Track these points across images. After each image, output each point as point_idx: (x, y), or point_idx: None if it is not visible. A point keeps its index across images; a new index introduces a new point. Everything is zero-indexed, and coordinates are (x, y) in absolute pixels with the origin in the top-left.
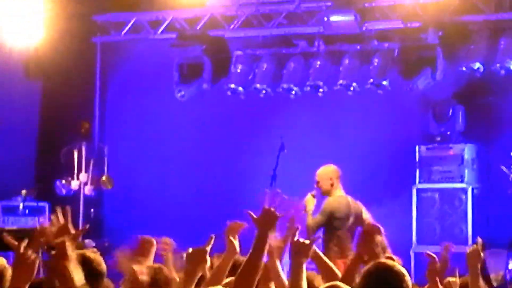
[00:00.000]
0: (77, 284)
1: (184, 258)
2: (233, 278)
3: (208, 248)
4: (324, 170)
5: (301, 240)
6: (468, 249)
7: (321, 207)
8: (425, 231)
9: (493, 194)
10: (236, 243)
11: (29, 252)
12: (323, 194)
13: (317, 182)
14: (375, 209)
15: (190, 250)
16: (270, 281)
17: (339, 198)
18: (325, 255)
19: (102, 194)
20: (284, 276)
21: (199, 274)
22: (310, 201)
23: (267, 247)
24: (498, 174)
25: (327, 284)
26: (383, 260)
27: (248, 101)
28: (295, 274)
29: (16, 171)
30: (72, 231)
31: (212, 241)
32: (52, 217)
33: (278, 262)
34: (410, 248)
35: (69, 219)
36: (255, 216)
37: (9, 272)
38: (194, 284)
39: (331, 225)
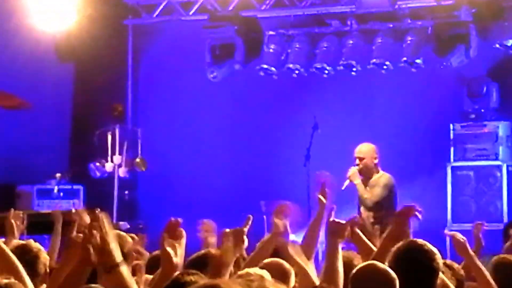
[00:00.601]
0: (117, 260)
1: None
2: (273, 259)
3: (246, 229)
4: (368, 147)
5: (337, 220)
6: None
7: (376, 182)
8: (460, 209)
9: None
10: (282, 224)
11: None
12: (363, 171)
13: (361, 159)
14: (409, 188)
15: (227, 230)
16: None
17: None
18: (382, 232)
19: (136, 176)
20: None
21: (237, 255)
22: (356, 174)
23: (339, 255)
24: None
25: (364, 263)
26: (413, 239)
27: (281, 81)
28: (331, 255)
29: (50, 155)
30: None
31: (250, 222)
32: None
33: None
34: (445, 226)
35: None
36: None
37: (43, 255)
38: (232, 264)
39: (391, 200)
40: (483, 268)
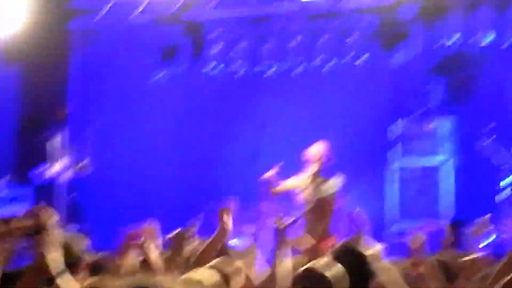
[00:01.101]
0: (55, 270)
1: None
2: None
3: (192, 230)
4: (319, 148)
5: (283, 221)
6: None
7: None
8: (407, 207)
9: (472, 168)
10: (229, 221)
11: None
12: (315, 170)
13: (311, 159)
14: (355, 186)
15: (174, 232)
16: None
17: None
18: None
19: (82, 179)
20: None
21: (183, 257)
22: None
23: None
24: (477, 147)
25: (305, 267)
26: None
27: (225, 81)
28: (277, 256)
29: None
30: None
31: (197, 225)
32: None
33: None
34: (392, 224)
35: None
36: None
37: None
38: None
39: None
40: (429, 270)
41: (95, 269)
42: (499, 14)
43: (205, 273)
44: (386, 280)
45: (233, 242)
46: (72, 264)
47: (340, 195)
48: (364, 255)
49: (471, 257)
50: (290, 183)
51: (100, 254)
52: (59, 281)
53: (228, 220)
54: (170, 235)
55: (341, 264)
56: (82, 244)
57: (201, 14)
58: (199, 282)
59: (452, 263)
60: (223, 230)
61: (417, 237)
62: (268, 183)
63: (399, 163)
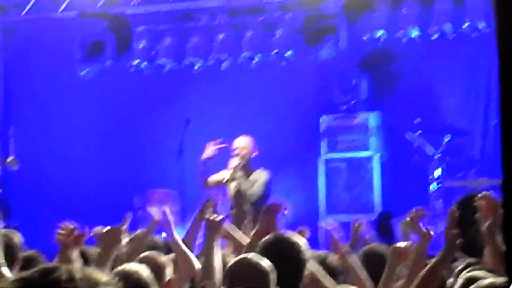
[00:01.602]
0: None
1: (98, 238)
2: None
3: (124, 228)
4: (247, 140)
5: (212, 217)
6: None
7: (257, 178)
8: (333, 201)
9: (398, 161)
10: (158, 212)
11: None
12: (242, 164)
13: (238, 149)
14: (282, 181)
15: (105, 229)
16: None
17: None
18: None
19: (9, 175)
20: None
21: (114, 254)
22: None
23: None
24: (403, 142)
25: (238, 257)
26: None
27: (151, 77)
28: (208, 251)
29: None
30: None
31: (128, 221)
32: None
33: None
34: (318, 218)
35: None
36: None
37: None
38: (109, 263)
39: (266, 197)
40: (354, 263)
41: (29, 264)
42: (424, 9)
43: (137, 266)
44: (315, 270)
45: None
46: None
47: (267, 188)
48: (296, 243)
49: (397, 245)
50: (216, 177)
51: (32, 251)
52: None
53: (157, 210)
54: (101, 231)
55: (273, 253)
56: (19, 239)
57: (126, 9)
58: (135, 273)
59: (379, 254)
60: (155, 221)
61: (357, 224)
62: (203, 171)
63: (325, 158)
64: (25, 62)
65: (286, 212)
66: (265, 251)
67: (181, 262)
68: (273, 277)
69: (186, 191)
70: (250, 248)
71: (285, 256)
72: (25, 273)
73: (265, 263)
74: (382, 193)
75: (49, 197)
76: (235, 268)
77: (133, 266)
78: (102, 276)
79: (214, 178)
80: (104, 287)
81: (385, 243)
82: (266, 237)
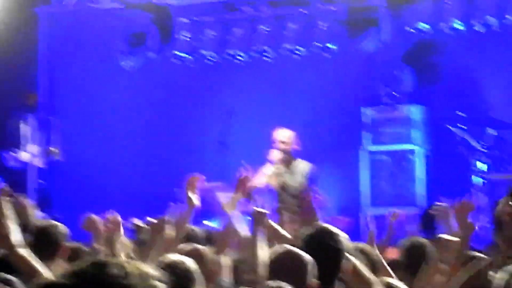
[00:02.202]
0: (14, 243)
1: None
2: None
3: (168, 218)
4: (289, 133)
5: (259, 209)
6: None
7: (297, 169)
8: (376, 194)
9: (441, 154)
10: (195, 197)
11: None
12: (284, 156)
13: (282, 143)
14: (325, 173)
15: (151, 221)
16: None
17: None
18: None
19: (50, 166)
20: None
21: (160, 245)
22: (279, 161)
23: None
24: (446, 134)
25: (279, 248)
26: (320, 223)
27: (194, 68)
28: (253, 242)
29: None
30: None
31: (173, 211)
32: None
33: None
34: (360, 211)
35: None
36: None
37: None
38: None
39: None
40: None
41: (74, 256)
42: (467, 1)
43: (182, 257)
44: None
45: (209, 222)
46: (51, 249)
47: (311, 181)
48: (336, 234)
49: (444, 236)
50: (259, 179)
51: (77, 242)
52: (21, 251)
53: (195, 196)
54: (147, 223)
55: (314, 244)
56: (64, 231)
57: (169, 0)
58: (181, 263)
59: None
60: (191, 206)
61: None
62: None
63: (368, 150)
64: (69, 52)
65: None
66: (307, 243)
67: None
68: (313, 268)
69: (229, 182)
70: (296, 240)
71: (325, 247)
72: (77, 267)
73: (306, 255)
74: (425, 186)
75: (90, 188)
76: (277, 259)
77: (178, 257)
78: (153, 270)
79: (258, 180)
80: (155, 281)
81: (428, 236)
82: (308, 229)
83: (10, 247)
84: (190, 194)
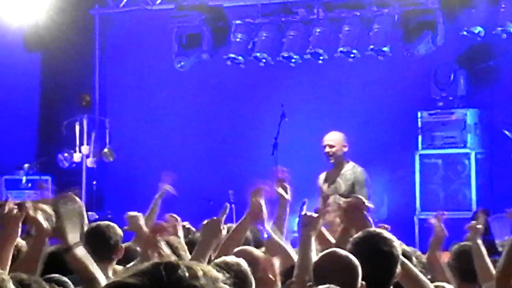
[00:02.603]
0: (69, 243)
1: (201, 230)
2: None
3: (223, 218)
4: (338, 135)
5: (309, 213)
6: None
7: (354, 177)
8: (429, 198)
9: (496, 159)
10: (259, 204)
11: None
12: (333, 160)
13: (331, 146)
14: (378, 176)
15: (205, 222)
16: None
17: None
18: None
19: (104, 167)
20: (287, 247)
21: (214, 246)
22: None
23: (312, 246)
24: (500, 138)
25: (326, 251)
26: (371, 228)
27: (248, 70)
28: (304, 247)
29: (18, 145)
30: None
31: (227, 211)
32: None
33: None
34: (414, 214)
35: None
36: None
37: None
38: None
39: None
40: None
41: (127, 256)
42: None
43: (237, 258)
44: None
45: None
46: (107, 250)
47: (366, 185)
48: (389, 239)
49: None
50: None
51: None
52: (76, 251)
53: (258, 203)
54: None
55: (365, 249)
56: (119, 232)
57: (223, 2)
58: (236, 264)
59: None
60: (252, 212)
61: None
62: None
63: (421, 153)
64: (122, 53)
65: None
66: (357, 247)
67: (281, 257)
68: (360, 272)
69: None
70: (338, 242)
71: (378, 251)
72: (144, 268)
73: (354, 258)
74: (479, 190)
75: (143, 189)
76: (323, 262)
77: (233, 258)
78: (218, 272)
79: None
80: (222, 284)
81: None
82: (358, 234)
83: (67, 247)
84: (254, 200)
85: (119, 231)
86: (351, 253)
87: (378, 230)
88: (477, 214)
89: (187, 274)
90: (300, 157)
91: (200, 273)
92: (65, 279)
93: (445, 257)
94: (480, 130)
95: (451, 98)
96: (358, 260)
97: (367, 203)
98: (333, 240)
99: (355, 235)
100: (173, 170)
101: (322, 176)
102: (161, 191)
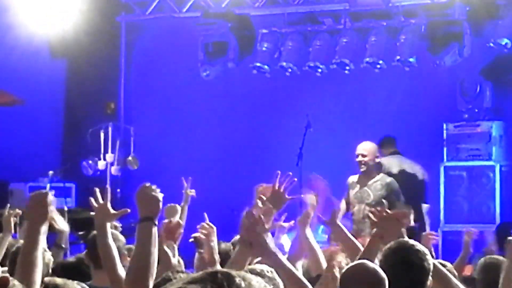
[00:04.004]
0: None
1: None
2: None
3: None
4: (372, 146)
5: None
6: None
7: (389, 188)
8: (453, 210)
9: None
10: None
11: None
12: (364, 169)
13: (363, 156)
14: None
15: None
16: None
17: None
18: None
19: (128, 174)
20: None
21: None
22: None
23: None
24: None
25: (354, 263)
26: (404, 239)
27: (274, 79)
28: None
29: (42, 152)
30: (111, 210)
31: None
32: (92, 199)
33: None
34: (438, 226)
35: (108, 199)
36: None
37: (47, 255)
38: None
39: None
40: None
41: None
42: None
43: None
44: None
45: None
46: None
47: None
48: (421, 251)
49: None
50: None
51: None
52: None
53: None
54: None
55: (397, 260)
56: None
57: (249, 10)
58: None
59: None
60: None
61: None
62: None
63: (446, 165)
64: (147, 61)
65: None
66: (388, 258)
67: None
68: (387, 285)
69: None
70: (367, 253)
71: (410, 264)
72: (202, 275)
73: (380, 270)
74: (503, 203)
75: (166, 197)
76: (351, 273)
77: (264, 267)
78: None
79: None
80: None
81: (504, 253)
82: (390, 244)
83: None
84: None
85: (121, 237)
86: (382, 263)
87: (411, 242)
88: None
89: (243, 283)
90: (325, 167)
91: (253, 281)
92: (84, 285)
93: (467, 270)
94: (505, 142)
95: (476, 110)
96: (388, 271)
97: (411, 218)
98: (361, 247)
99: (387, 246)
100: (196, 179)
101: (354, 178)
102: (186, 198)
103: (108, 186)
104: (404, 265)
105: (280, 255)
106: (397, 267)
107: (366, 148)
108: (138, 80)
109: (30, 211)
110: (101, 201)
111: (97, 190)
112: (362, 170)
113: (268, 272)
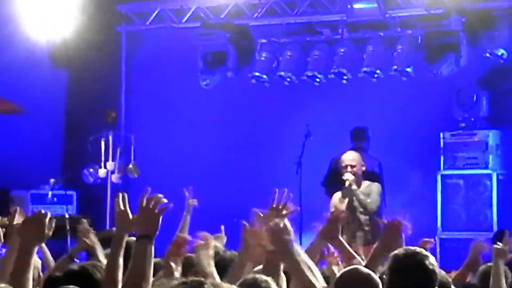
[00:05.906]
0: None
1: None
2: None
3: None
4: (357, 155)
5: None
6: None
7: (369, 190)
8: (450, 218)
9: None
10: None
11: None
12: (354, 180)
13: (352, 166)
14: (399, 195)
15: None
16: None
17: None
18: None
19: (129, 183)
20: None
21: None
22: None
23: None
24: None
25: (348, 268)
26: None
27: (272, 89)
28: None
29: (44, 160)
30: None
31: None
32: (115, 204)
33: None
34: (435, 234)
35: (127, 205)
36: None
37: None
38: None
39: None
40: None
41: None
42: None
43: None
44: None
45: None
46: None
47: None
48: (429, 258)
49: None
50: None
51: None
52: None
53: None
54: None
55: (404, 268)
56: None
57: (248, 21)
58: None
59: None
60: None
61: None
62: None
63: (443, 174)
64: (148, 70)
65: (409, 232)
66: (399, 263)
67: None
68: None
69: (303, 204)
70: (372, 262)
71: (424, 268)
72: (174, 284)
73: (375, 276)
74: (500, 211)
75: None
76: (345, 278)
77: (262, 276)
78: None
79: (336, 204)
80: None
81: None
82: (397, 251)
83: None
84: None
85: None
86: (392, 269)
87: (417, 249)
88: (504, 235)
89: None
90: (322, 175)
91: None
92: None
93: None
94: (502, 151)
95: (473, 119)
96: (397, 276)
97: (408, 225)
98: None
99: (395, 252)
100: (197, 187)
101: (338, 195)
102: (188, 208)
103: (125, 193)
104: (419, 269)
105: (304, 264)
106: (409, 271)
107: (353, 158)
108: (139, 89)
109: (26, 229)
110: (122, 207)
111: (120, 195)
112: (353, 179)
113: (262, 282)
